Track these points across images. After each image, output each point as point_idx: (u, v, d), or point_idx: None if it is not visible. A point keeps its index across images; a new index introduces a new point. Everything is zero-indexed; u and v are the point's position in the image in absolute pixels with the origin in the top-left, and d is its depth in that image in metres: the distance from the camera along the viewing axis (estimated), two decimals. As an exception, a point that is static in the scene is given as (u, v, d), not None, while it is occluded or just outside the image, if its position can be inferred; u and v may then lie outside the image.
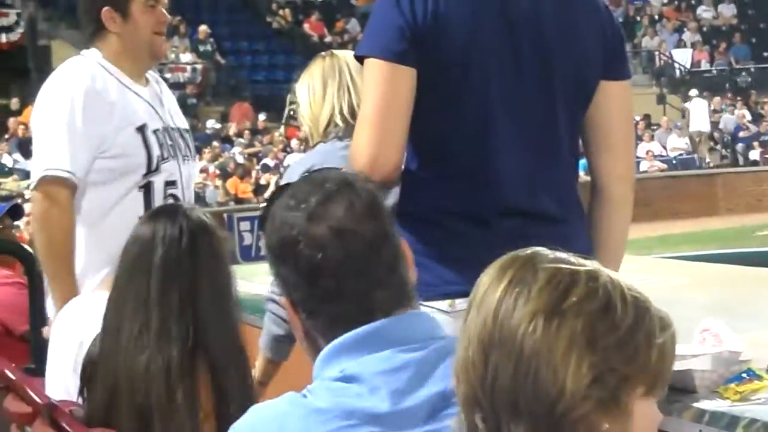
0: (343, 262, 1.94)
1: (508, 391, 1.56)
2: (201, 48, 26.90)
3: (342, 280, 1.94)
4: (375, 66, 2.79)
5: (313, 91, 3.77)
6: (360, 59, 2.86)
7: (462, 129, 2.83)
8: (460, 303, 2.72)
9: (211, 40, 27.02)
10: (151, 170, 3.90)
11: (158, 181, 3.92)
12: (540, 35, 2.85)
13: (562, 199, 2.97)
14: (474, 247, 2.72)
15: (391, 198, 2.82)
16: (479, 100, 2.82)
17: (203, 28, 27.03)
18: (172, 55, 25.58)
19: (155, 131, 3.94)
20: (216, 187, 22.43)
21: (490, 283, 1.62)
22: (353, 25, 29.44)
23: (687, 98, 29.12)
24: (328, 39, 28.82)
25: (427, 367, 1.88)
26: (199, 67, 26.39)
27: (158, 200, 3.87)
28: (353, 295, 1.94)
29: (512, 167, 2.85)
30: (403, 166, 2.83)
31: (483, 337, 1.58)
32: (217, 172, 22.89)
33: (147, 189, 3.91)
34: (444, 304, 2.80)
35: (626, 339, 1.59)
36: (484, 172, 2.83)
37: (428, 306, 2.68)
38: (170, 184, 3.95)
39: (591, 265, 1.63)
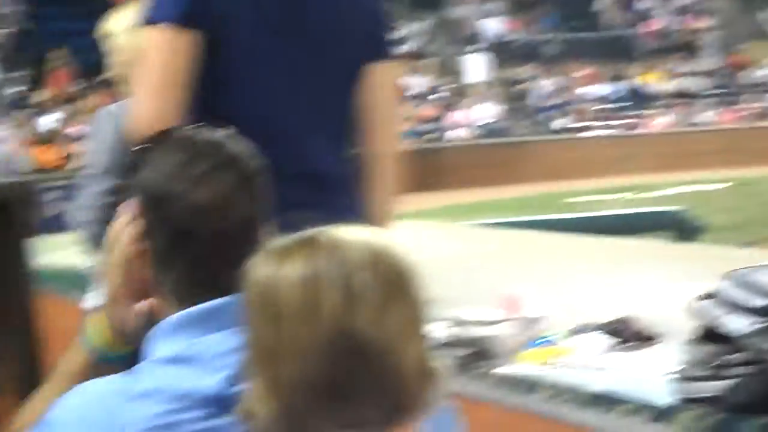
0: (211, 235, 1.90)
1: None
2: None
3: (204, 251, 1.91)
4: (159, 32, 2.87)
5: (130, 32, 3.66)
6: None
7: (240, 104, 2.95)
8: None
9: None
10: None
11: None
12: (312, 21, 3.03)
13: (335, 169, 3.14)
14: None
15: None
16: (256, 77, 2.97)
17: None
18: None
19: None
20: (24, 155, 21.91)
21: None
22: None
23: (498, 68, 29.58)
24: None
25: None
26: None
27: None
28: (209, 267, 1.90)
29: (288, 141, 3.00)
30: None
31: None
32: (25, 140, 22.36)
33: None
34: None
35: None
36: (263, 144, 2.90)
37: None
38: None
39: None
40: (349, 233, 1.62)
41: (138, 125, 2.81)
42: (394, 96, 3.28)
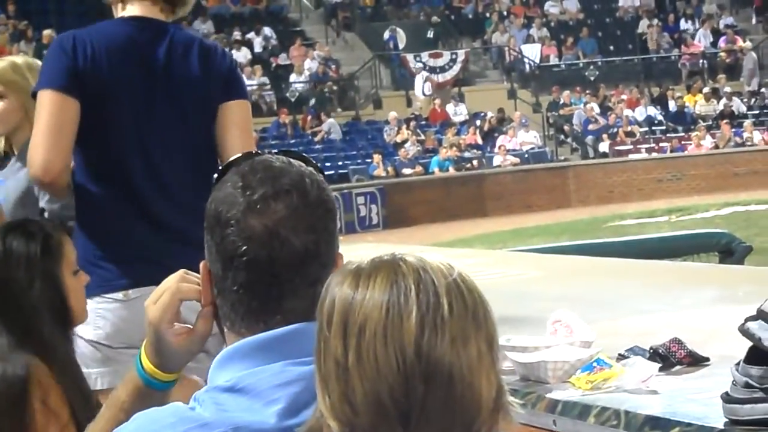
0: (263, 263, 1.89)
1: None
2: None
3: (255, 278, 1.90)
4: (46, 95, 3.57)
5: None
6: (35, 95, 3.63)
7: (111, 152, 3.63)
8: (133, 293, 3.53)
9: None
10: None
11: None
12: (171, 77, 3.72)
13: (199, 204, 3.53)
14: (143, 248, 3.57)
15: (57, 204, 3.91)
16: (122, 129, 3.63)
17: (48, 32, 26.55)
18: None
19: None
20: None
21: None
22: (208, 26, 29.27)
23: (539, 92, 29.58)
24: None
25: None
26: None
27: None
28: (261, 295, 1.91)
29: (155, 183, 3.63)
30: (70, 176, 3.61)
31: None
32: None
33: None
34: (120, 294, 3.56)
35: None
36: (134, 188, 3.64)
37: (107, 297, 3.54)
38: None
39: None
40: (430, 259, 1.65)
41: (32, 168, 3.53)
42: (245, 130, 3.86)
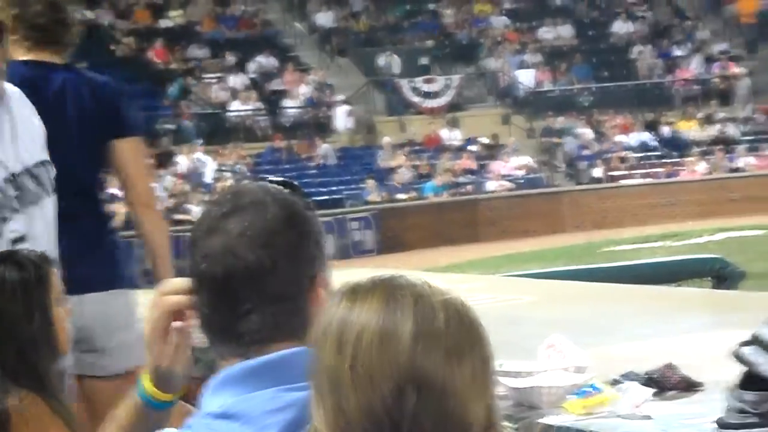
0: (219, 280, 1.90)
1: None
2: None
3: (215, 296, 1.91)
4: None
5: None
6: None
7: None
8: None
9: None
10: None
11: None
12: (64, 113, 4.10)
13: (89, 236, 4.26)
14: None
15: None
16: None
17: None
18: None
19: None
20: None
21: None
22: (203, 51, 29.34)
23: (533, 118, 29.64)
24: (173, 66, 28.63)
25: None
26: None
27: None
28: (221, 314, 1.91)
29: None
30: None
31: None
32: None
33: None
34: None
35: None
36: None
37: None
38: (18, 240, 3.55)
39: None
40: (424, 280, 1.66)
41: None
42: (137, 165, 4.29)
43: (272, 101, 28.68)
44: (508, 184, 26.63)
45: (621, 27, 33.31)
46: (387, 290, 1.63)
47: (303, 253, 1.94)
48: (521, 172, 27.39)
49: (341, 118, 28.41)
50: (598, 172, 27.93)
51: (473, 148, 27.98)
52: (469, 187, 26.26)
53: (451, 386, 1.58)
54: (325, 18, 31.74)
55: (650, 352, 4.39)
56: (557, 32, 33.07)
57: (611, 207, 26.12)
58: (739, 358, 3.17)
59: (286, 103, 28.70)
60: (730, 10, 33.52)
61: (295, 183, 2.04)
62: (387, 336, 1.59)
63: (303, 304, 1.92)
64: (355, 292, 1.65)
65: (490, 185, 26.49)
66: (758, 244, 17.70)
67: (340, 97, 28.95)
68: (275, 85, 29.12)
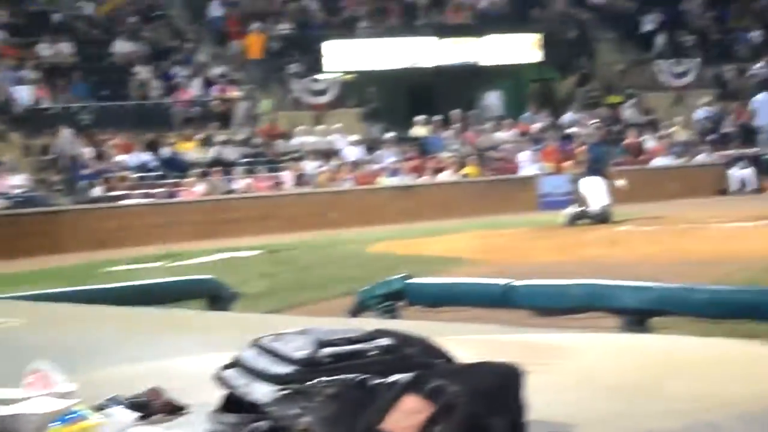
0: None
1: None
2: None
3: None
4: None
5: None
6: None
7: None
8: None
9: None
10: None
11: None
12: None
13: None
14: None
15: None
16: None
17: None
18: None
19: None
20: None
21: None
22: None
23: (30, 136, 28.99)
24: None
25: None
26: None
27: None
28: None
29: None
30: None
31: None
32: None
33: None
34: None
35: None
36: None
37: None
38: None
39: None
40: None
41: None
42: None
43: None
44: (3, 203, 25.90)
45: (122, 46, 33.25)
46: None
47: None
48: (18, 191, 26.73)
49: None
50: (98, 191, 27.72)
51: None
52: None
53: None
54: None
55: (138, 376, 4.38)
56: (57, 48, 32.56)
57: (112, 227, 25.98)
58: (221, 381, 3.22)
59: None
60: (237, 45, 34.26)
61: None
62: None
63: None
64: None
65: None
66: (254, 264, 18.16)
67: None
68: None
